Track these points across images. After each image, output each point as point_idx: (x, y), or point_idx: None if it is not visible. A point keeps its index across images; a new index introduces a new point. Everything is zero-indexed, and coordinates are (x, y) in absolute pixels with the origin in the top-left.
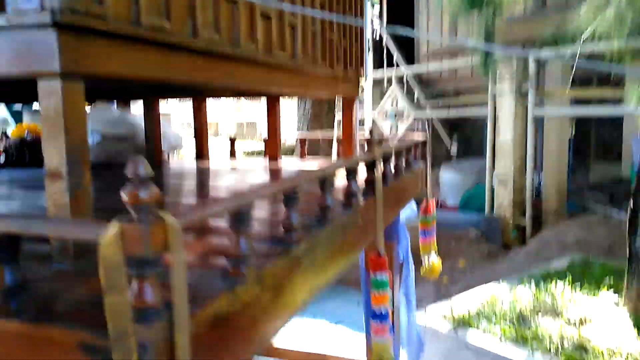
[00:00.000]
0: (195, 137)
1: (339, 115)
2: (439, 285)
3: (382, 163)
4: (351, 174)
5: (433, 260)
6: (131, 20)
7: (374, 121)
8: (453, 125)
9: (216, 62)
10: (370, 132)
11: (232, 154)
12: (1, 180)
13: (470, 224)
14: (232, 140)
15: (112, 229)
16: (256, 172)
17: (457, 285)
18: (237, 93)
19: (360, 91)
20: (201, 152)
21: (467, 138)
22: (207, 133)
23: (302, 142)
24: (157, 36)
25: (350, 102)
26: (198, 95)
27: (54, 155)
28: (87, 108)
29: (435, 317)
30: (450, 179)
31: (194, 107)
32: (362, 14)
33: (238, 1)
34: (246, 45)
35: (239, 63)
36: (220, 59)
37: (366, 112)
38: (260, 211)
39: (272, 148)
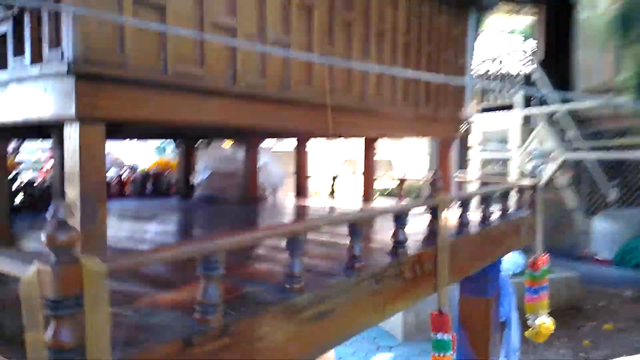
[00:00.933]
0: (296, 175)
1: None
2: (577, 348)
3: (462, 209)
4: (400, 220)
5: (543, 322)
6: (157, 68)
7: (436, 169)
8: (612, 169)
9: (263, 105)
10: (434, 178)
11: (332, 192)
12: (115, 208)
13: (625, 282)
14: (334, 179)
15: (31, 269)
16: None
17: (600, 350)
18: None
19: (459, 131)
20: (300, 190)
21: (629, 184)
22: (306, 172)
23: (401, 181)
24: (187, 82)
25: (446, 143)
26: (295, 137)
27: (71, 191)
28: (209, 147)
29: None
30: (605, 229)
31: (296, 147)
32: (462, 53)
33: (291, 43)
34: (305, 89)
35: (295, 106)
36: (267, 102)
37: (472, 152)
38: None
39: (366, 187)
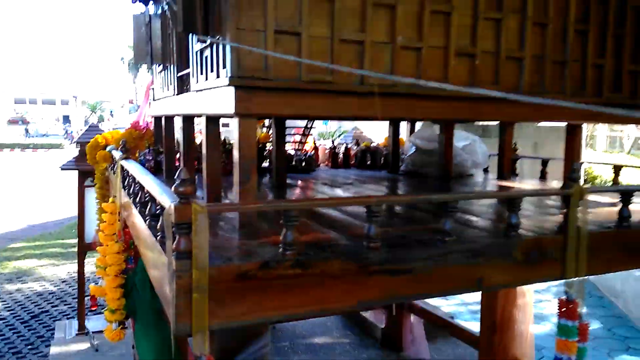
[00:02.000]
0: (499, 156)
1: None
2: None
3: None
4: (513, 204)
5: None
6: (293, 77)
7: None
8: None
9: (394, 99)
10: (574, 168)
11: (543, 175)
12: (333, 175)
13: None
14: (545, 162)
15: (169, 205)
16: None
17: None
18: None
19: None
20: (502, 171)
21: None
22: (510, 153)
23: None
24: (319, 87)
25: (573, 127)
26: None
27: (234, 162)
28: (419, 124)
29: None
30: None
31: (499, 131)
32: None
33: (422, 47)
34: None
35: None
36: (395, 97)
37: None
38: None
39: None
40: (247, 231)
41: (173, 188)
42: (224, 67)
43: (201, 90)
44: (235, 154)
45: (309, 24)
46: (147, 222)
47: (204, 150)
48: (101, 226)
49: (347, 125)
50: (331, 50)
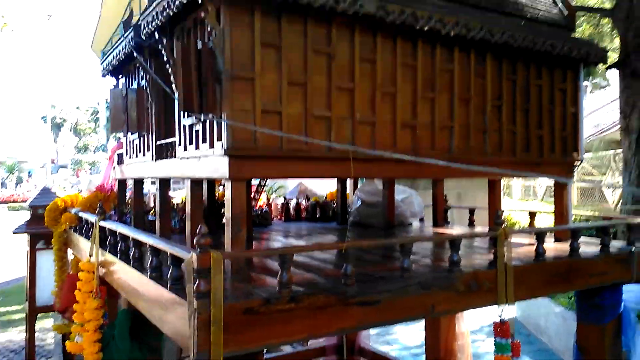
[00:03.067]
0: (433, 207)
1: None
2: None
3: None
4: (454, 245)
5: None
6: (276, 147)
7: (496, 209)
8: None
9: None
10: (497, 214)
11: (471, 222)
12: (288, 228)
13: None
14: (472, 211)
15: (191, 255)
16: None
17: None
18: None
19: (572, 172)
20: (436, 219)
21: None
22: (442, 204)
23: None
24: (297, 154)
25: (559, 185)
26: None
27: (227, 218)
28: (363, 182)
29: None
30: None
31: (432, 185)
32: (577, 104)
33: (376, 122)
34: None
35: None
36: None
37: None
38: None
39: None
40: (239, 276)
41: (195, 241)
42: (219, 140)
43: (189, 158)
44: (228, 210)
45: (288, 104)
46: (149, 274)
47: (188, 208)
48: (79, 284)
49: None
50: (305, 124)
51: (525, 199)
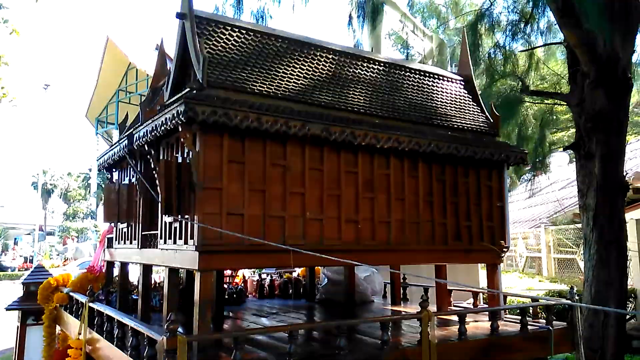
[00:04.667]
0: (391, 286)
1: None
2: None
3: (459, 321)
4: (384, 327)
5: None
6: (239, 243)
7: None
8: None
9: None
10: (422, 300)
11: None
12: (261, 305)
13: None
14: (426, 290)
15: (161, 338)
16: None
17: None
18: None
19: (500, 257)
20: (394, 297)
21: None
22: (399, 283)
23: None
24: (256, 248)
25: (491, 267)
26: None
27: (195, 302)
28: None
29: None
30: None
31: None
32: (503, 198)
33: (324, 219)
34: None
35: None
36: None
37: None
38: None
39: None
40: (205, 354)
41: (165, 326)
42: (192, 237)
43: (167, 249)
44: (197, 297)
45: (249, 207)
46: (129, 352)
47: (165, 291)
48: None
49: None
50: (264, 222)
51: (507, 270)
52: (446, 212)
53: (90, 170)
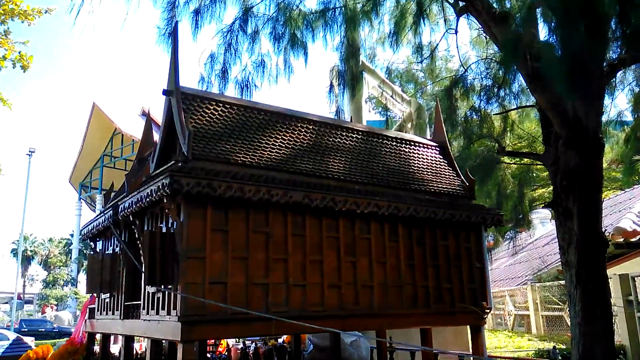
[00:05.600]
0: (377, 350)
1: None
2: None
3: None
4: None
5: None
6: (221, 313)
7: None
8: None
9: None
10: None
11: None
12: None
13: None
14: (412, 353)
15: None
16: None
17: None
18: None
19: (484, 319)
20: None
21: None
22: (386, 346)
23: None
24: (239, 317)
25: (474, 329)
26: None
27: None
28: None
29: None
30: None
31: (376, 332)
32: (482, 260)
33: (307, 285)
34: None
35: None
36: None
37: None
38: None
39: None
40: None
41: None
42: (174, 308)
43: (150, 320)
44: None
45: (232, 276)
46: None
47: None
48: None
49: None
50: (247, 290)
51: (496, 329)
52: (427, 274)
53: (71, 236)
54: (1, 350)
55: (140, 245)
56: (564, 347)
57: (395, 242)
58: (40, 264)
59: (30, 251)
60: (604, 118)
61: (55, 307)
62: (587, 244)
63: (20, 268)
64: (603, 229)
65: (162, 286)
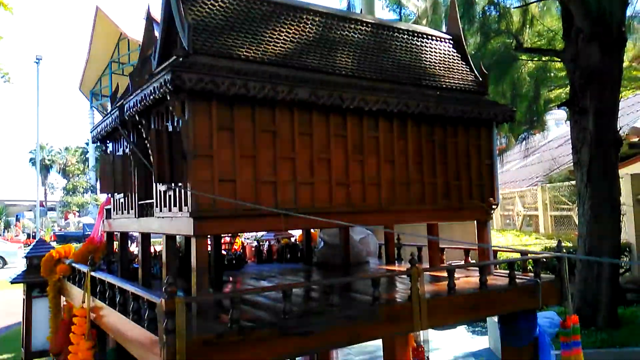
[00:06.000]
0: (385, 246)
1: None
2: None
3: (449, 276)
4: (375, 285)
5: None
6: (232, 209)
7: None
8: None
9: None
10: (412, 257)
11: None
12: (259, 269)
13: None
14: (419, 248)
15: (160, 300)
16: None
17: None
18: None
19: (490, 214)
20: (389, 257)
21: None
22: (393, 243)
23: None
24: (249, 213)
25: (481, 224)
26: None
27: (192, 267)
28: None
29: None
30: None
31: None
32: (492, 156)
33: (314, 183)
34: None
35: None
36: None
37: None
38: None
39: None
40: (204, 315)
41: (164, 288)
42: (186, 205)
43: (163, 217)
44: (194, 262)
45: (240, 174)
46: (131, 316)
47: (164, 258)
48: (73, 328)
49: None
50: (255, 188)
51: (504, 229)
52: (436, 171)
53: (87, 144)
54: (26, 251)
55: (148, 145)
56: (570, 245)
57: (403, 140)
58: (59, 172)
59: (48, 160)
60: (629, 11)
61: (77, 214)
62: (600, 143)
63: (39, 177)
64: (618, 128)
65: (172, 184)
